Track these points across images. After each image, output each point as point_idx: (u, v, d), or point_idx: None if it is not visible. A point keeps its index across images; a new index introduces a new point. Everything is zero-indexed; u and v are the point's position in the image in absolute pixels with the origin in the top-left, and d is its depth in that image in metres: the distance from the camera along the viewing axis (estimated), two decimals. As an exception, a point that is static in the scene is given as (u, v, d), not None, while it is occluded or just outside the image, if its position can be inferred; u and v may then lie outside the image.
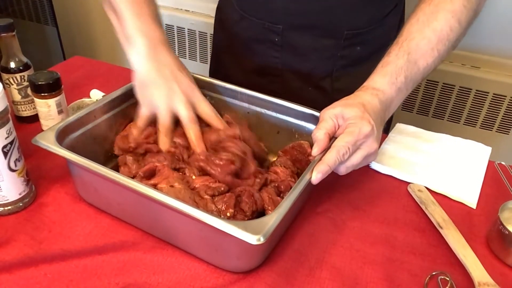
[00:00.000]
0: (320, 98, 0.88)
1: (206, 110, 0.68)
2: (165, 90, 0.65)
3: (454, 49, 0.70)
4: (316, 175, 0.56)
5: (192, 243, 0.57)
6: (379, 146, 0.64)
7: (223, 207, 0.57)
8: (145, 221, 0.61)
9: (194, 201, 0.57)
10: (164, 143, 0.66)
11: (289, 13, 0.81)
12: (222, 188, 0.59)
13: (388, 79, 0.65)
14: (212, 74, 1.05)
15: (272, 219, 0.49)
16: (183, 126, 0.66)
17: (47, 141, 0.59)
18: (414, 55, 0.66)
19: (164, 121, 0.65)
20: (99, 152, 0.68)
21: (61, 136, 0.61)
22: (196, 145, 0.65)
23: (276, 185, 0.63)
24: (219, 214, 0.56)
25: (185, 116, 0.65)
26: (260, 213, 0.59)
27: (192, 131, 0.65)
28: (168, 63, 0.67)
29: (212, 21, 1.01)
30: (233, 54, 0.95)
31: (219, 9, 0.98)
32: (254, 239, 0.46)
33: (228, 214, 0.56)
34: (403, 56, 0.66)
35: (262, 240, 0.46)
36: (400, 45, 0.67)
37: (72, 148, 0.60)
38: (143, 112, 0.67)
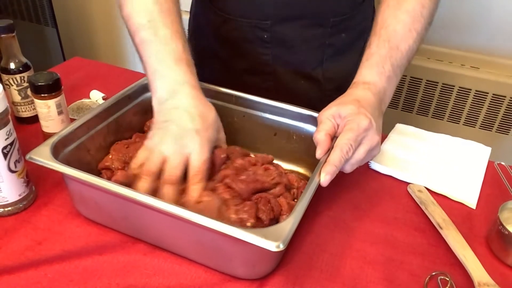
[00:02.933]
0: (313, 90, 0.89)
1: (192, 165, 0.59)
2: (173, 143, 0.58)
3: (430, 25, 0.70)
4: (324, 177, 0.56)
5: (203, 253, 0.56)
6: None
7: (245, 216, 0.55)
8: (151, 235, 0.59)
9: (219, 211, 0.55)
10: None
11: (277, 7, 0.81)
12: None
13: (376, 70, 0.65)
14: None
15: (289, 225, 0.49)
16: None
17: (43, 157, 0.57)
18: (394, 41, 0.66)
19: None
20: (93, 163, 0.66)
21: (57, 150, 0.59)
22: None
23: (293, 192, 0.63)
24: (240, 223, 0.55)
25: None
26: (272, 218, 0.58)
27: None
28: (179, 116, 0.60)
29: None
30: (219, 58, 0.93)
31: (195, 17, 0.96)
32: (273, 246, 0.46)
33: (249, 224, 0.55)
34: (384, 45, 0.66)
35: (281, 246, 0.46)
36: (378, 35, 0.67)
37: (67, 162, 0.57)
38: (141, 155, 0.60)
